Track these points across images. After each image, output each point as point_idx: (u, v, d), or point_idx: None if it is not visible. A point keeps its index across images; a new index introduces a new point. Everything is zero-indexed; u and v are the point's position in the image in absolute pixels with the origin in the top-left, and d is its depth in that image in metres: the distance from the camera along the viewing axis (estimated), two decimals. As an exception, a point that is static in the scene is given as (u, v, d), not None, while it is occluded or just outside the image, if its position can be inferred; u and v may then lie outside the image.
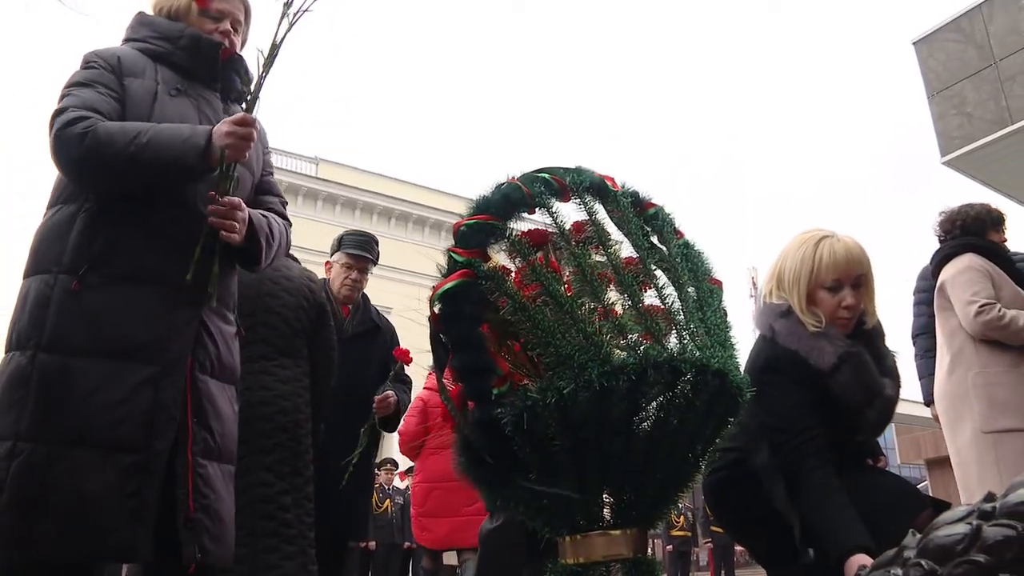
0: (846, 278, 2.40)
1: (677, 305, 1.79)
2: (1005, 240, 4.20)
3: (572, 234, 1.82)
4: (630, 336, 1.68)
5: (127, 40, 2.34)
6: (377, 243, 3.89)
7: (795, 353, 2.39)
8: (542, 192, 1.79)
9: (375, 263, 3.78)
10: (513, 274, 1.84)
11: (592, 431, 1.65)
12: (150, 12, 2.39)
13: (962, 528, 1.25)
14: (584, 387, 1.59)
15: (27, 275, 2.03)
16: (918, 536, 1.30)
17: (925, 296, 4.75)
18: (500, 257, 1.83)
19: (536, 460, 1.69)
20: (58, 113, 2.06)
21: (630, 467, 1.72)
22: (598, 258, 1.83)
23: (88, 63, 2.21)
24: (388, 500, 10.48)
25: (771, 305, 2.51)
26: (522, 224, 1.84)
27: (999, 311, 3.73)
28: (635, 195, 1.96)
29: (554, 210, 1.79)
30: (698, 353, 1.69)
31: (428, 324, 1.81)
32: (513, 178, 1.82)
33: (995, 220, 4.18)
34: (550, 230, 1.82)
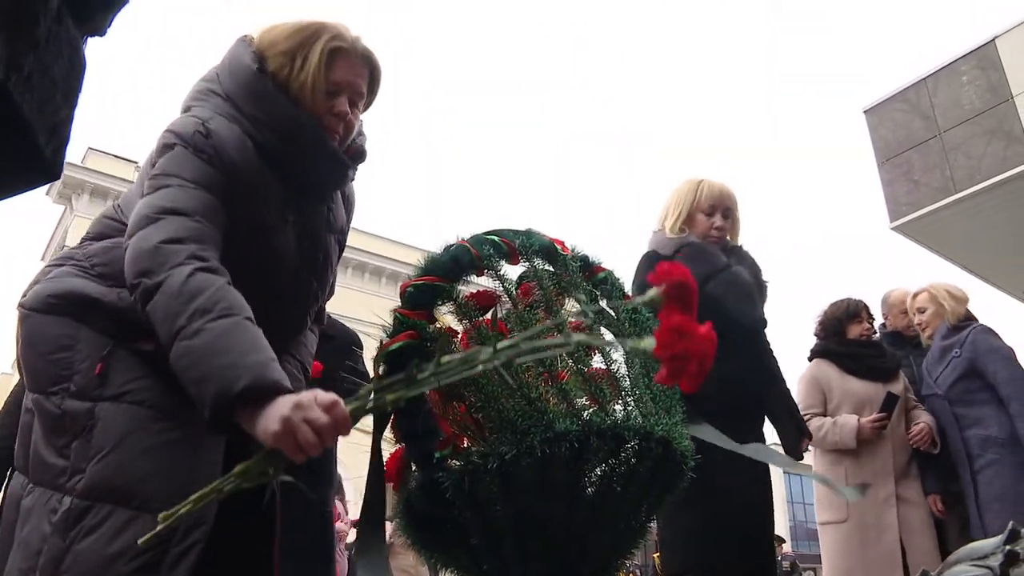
0: (719, 206, 3.07)
1: (623, 371, 1.79)
2: (867, 328, 4.33)
3: (520, 297, 1.83)
4: (575, 401, 1.68)
5: (227, 109, 1.78)
6: None
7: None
8: (491, 255, 1.79)
9: None
10: (460, 336, 1.84)
11: (534, 497, 1.63)
12: (255, 57, 1.79)
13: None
14: (526, 453, 1.58)
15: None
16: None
17: None
18: (447, 319, 1.82)
19: (478, 524, 1.67)
20: (153, 228, 1.60)
21: (573, 533, 1.70)
22: (546, 322, 1.83)
23: (195, 153, 1.69)
24: None
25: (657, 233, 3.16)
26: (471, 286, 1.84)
27: (818, 422, 4.03)
28: (584, 259, 1.98)
29: (502, 273, 1.79)
30: (642, 420, 1.69)
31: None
32: (462, 240, 1.83)
33: (851, 313, 4.33)
34: (498, 293, 1.82)
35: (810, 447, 3.75)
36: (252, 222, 1.76)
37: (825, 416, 4.10)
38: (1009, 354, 3.94)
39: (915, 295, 4.43)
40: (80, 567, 1.56)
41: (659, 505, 1.84)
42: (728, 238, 3.12)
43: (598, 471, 1.66)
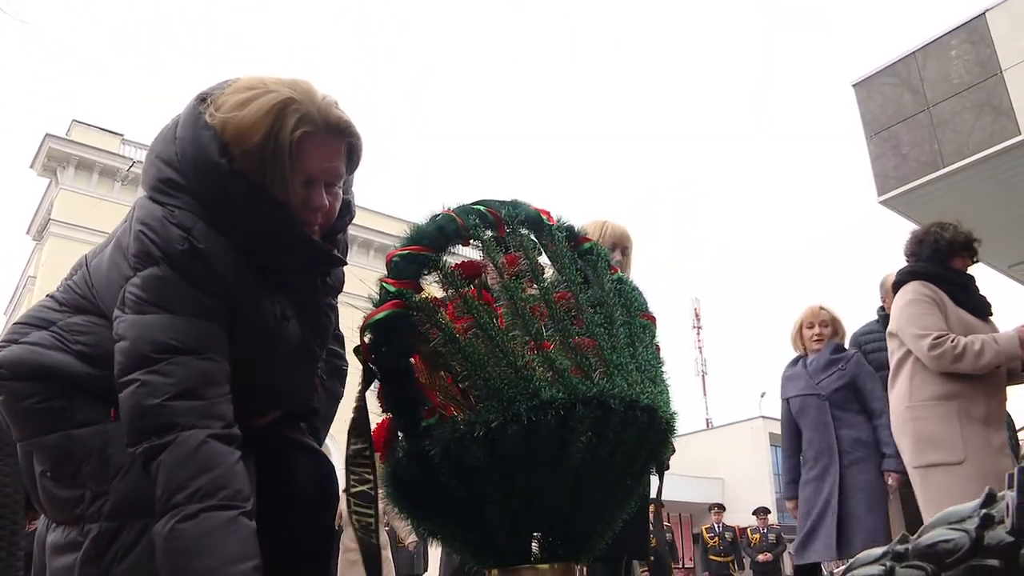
0: (618, 244, 3.71)
1: (608, 341, 1.80)
2: (971, 263, 4.12)
3: (505, 267, 1.83)
4: (561, 370, 1.68)
5: (200, 209, 1.65)
6: None
7: None
8: (477, 224, 1.79)
9: None
10: (447, 307, 1.84)
11: (520, 464, 1.64)
12: (223, 128, 1.65)
13: (875, 570, 1.27)
14: (513, 421, 1.59)
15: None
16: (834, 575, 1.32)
17: None
18: (433, 289, 1.82)
19: (464, 493, 1.68)
20: (155, 374, 1.51)
21: (559, 501, 1.72)
22: (531, 292, 1.84)
23: (181, 276, 1.58)
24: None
25: None
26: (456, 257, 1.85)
27: (952, 341, 3.71)
28: (570, 230, 1.98)
29: (488, 242, 1.79)
30: (627, 388, 1.70)
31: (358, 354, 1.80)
32: (448, 209, 1.83)
33: (962, 244, 4.10)
34: (483, 262, 1.83)
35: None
36: (251, 328, 1.71)
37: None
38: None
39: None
40: None
41: (645, 473, 1.85)
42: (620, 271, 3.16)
43: (584, 439, 1.67)
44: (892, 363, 4.05)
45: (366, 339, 1.77)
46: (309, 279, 1.87)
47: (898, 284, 4.10)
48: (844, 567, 1.32)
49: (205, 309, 1.60)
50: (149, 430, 1.48)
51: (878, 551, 1.32)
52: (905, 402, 3.90)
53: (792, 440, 5.13)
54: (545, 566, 1.74)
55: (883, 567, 1.25)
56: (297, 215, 1.72)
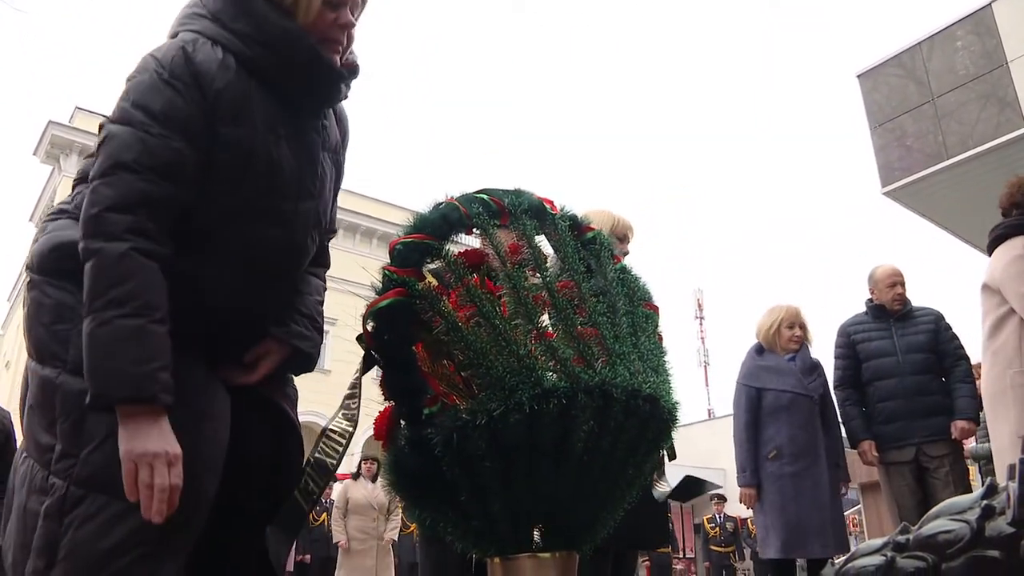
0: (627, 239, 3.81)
1: (611, 331, 1.80)
2: None
3: (508, 256, 1.83)
4: (563, 359, 1.68)
5: (214, 29, 1.74)
6: None
7: None
8: (480, 213, 1.79)
9: None
10: (450, 295, 1.84)
11: (522, 453, 1.65)
12: None
13: (876, 560, 1.28)
14: (515, 409, 1.59)
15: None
16: (836, 567, 1.32)
17: (842, 351, 5.19)
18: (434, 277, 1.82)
19: (466, 481, 1.68)
20: (104, 186, 1.61)
21: (560, 490, 1.72)
22: (534, 281, 1.84)
23: (168, 80, 1.65)
24: (325, 513, 10.22)
25: None
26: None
27: None
28: (573, 219, 1.98)
29: (491, 231, 1.79)
30: (629, 377, 1.71)
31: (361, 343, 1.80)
32: (451, 198, 1.82)
33: None
34: (486, 251, 1.82)
35: None
36: (242, 143, 1.73)
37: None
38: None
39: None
40: (77, 557, 1.55)
41: (647, 462, 1.85)
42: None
43: (585, 428, 1.67)
44: (988, 321, 3.83)
45: (369, 327, 1.77)
46: (311, 119, 1.89)
47: (1001, 238, 3.88)
48: (846, 557, 1.33)
49: (175, 114, 1.65)
50: (85, 234, 1.61)
51: (879, 541, 1.32)
52: (1015, 365, 3.65)
53: (752, 429, 5.00)
54: (547, 554, 1.74)
55: (884, 557, 1.26)
56: (322, 35, 1.78)
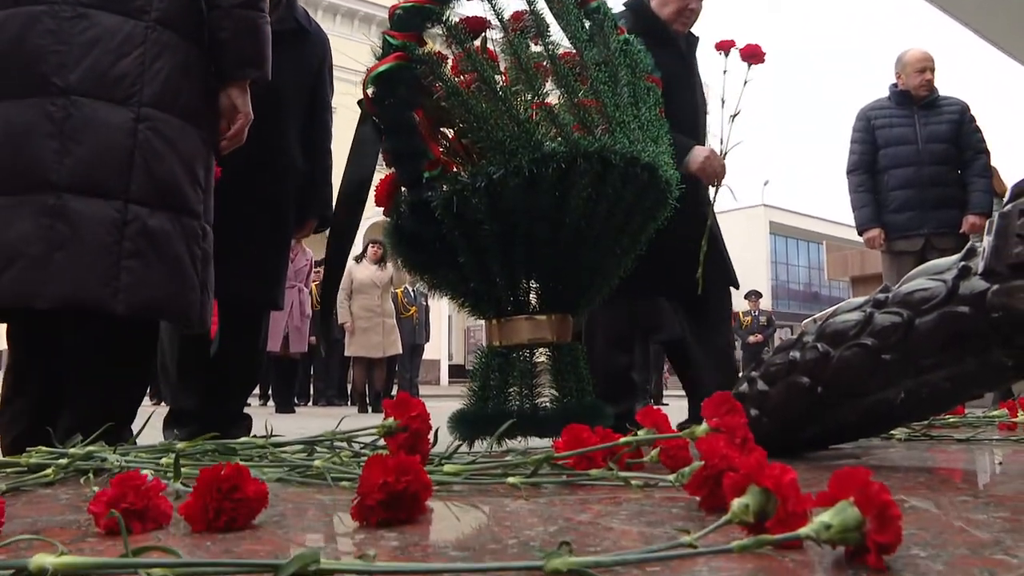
0: None
1: (612, 100, 1.80)
2: None
3: (511, 23, 1.80)
4: (562, 124, 1.69)
5: None
6: None
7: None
8: (482, -24, 1.75)
9: None
10: (450, 62, 1.82)
11: (520, 218, 1.69)
12: None
13: (856, 315, 1.34)
14: (514, 173, 1.62)
15: None
16: (818, 323, 1.39)
17: (860, 135, 4.96)
18: (436, 44, 1.80)
19: (465, 245, 1.74)
20: None
21: (557, 255, 1.77)
22: (536, 49, 1.82)
23: None
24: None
25: None
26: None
27: None
28: (577, -13, 1.92)
29: (493, -2, 1.75)
30: (629, 146, 1.72)
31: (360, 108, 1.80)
32: (453, -37, 1.77)
33: None
34: (488, 18, 1.79)
35: None
36: None
37: None
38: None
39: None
40: None
41: (643, 231, 1.90)
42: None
43: (583, 194, 1.70)
44: None
45: (369, 92, 1.77)
46: None
47: None
48: (828, 312, 1.39)
49: None
50: None
51: (860, 299, 1.39)
52: None
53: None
54: (542, 317, 1.82)
55: (863, 313, 1.32)
56: None
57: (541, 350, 1.87)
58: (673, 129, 2.34)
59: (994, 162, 4.85)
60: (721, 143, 2.54)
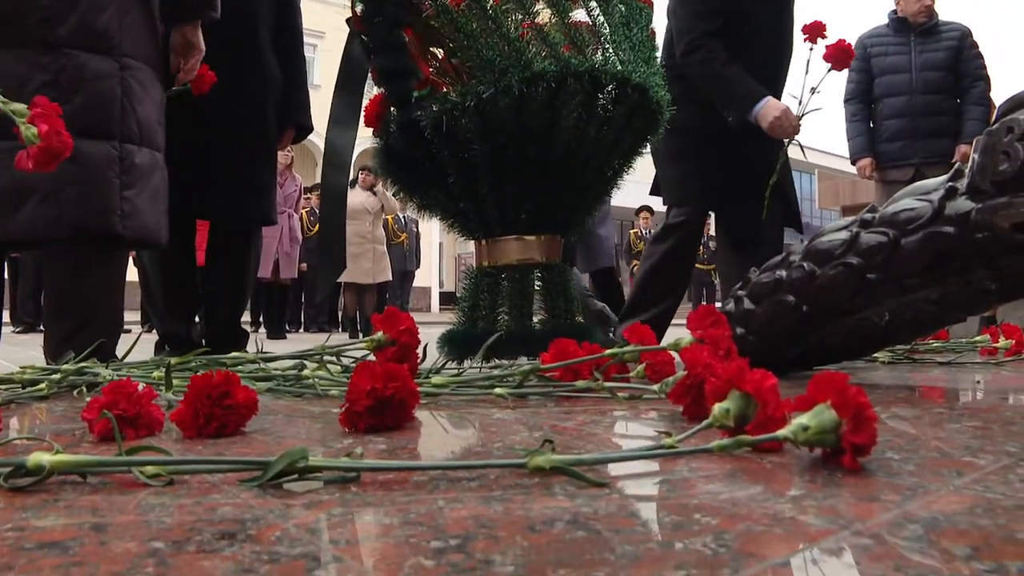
0: None
1: (603, 20, 1.78)
2: None
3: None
4: (552, 44, 1.67)
5: None
6: None
7: None
8: None
9: None
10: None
11: (510, 138, 1.68)
12: None
13: (842, 235, 1.35)
14: (504, 92, 1.60)
15: None
16: (805, 243, 1.40)
17: (857, 64, 4.90)
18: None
19: (455, 165, 1.73)
20: None
21: (546, 175, 1.77)
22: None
23: None
24: (319, 223, 10.17)
25: None
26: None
27: None
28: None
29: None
30: (620, 67, 1.71)
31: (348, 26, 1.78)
32: None
33: None
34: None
35: None
36: None
37: None
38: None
39: None
40: None
41: (633, 153, 1.89)
42: None
43: (574, 115, 1.70)
44: None
45: (358, 9, 1.75)
46: None
47: None
48: (816, 233, 1.40)
49: None
50: None
51: (847, 220, 1.39)
52: None
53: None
54: (532, 237, 1.83)
55: (849, 232, 1.33)
56: None
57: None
58: (752, 70, 2.33)
59: (996, 94, 4.80)
60: (800, 104, 2.49)
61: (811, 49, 2.47)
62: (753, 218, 2.49)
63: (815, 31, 2.46)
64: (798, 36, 2.54)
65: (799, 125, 2.49)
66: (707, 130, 2.43)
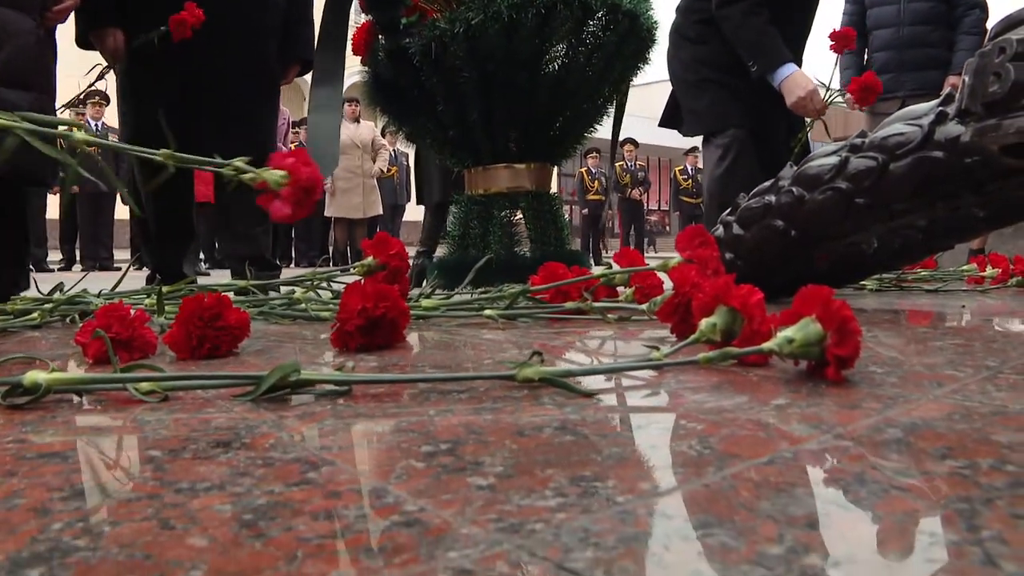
0: None
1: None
2: None
3: None
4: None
5: None
6: None
7: None
8: None
9: None
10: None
11: (500, 65, 1.66)
12: None
13: (832, 160, 1.35)
14: (493, 19, 1.58)
15: None
16: (794, 168, 1.40)
17: None
18: None
19: (444, 92, 1.72)
20: None
21: (536, 103, 1.76)
22: None
23: None
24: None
25: None
26: None
27: None
28: None
29: None
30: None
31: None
32: None
33: None
34: None
35: None
36: None
37: None
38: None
39: None
40: None
41: (623, 80, 1.88)
42: None
43: (564, 42, 1.68)
44: None
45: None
46: None
47: None
48: (805, 158, 1.40)
49: None
50: None
51: (837, 145, 1.39)
52: None
53: None
54: (521, 165, 1.82)
55: (839, 157, 1.33)
56: None
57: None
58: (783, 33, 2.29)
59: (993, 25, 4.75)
60: (827, 89, 2.45)
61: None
62: (780, 150, 2.47)
63: (842, 40, 2.50)
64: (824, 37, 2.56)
65: (824, 108, 2.45)
66: (734, 58, 2.39)
